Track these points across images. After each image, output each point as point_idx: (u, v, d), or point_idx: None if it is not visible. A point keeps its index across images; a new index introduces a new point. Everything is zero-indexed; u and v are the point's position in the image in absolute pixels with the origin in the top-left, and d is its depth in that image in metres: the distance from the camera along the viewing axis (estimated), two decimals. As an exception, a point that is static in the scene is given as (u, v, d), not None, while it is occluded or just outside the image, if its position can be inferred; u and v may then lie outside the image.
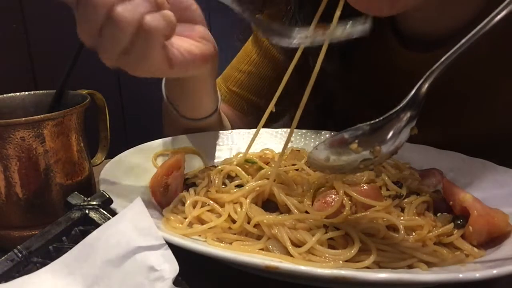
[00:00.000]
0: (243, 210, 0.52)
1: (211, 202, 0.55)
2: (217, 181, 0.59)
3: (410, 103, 0.47)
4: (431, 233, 0.51)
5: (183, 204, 0.57)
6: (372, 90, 0.80)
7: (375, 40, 0.76)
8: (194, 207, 0.56)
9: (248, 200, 0.53)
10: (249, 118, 0.92)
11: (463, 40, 0.45)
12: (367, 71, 0.82)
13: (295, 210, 0.52)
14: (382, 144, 0.48)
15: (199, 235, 0.53)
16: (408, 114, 0.47)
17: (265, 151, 0.71)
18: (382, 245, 0.48)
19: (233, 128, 0.86)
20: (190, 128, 0.76)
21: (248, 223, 0.52)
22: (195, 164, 0.72)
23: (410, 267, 0.48)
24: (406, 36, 0.76)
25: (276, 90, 0.86)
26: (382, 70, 0.79)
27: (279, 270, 0.43)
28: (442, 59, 0.46)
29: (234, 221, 0.53)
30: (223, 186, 0.59)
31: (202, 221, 0.54)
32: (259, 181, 0.56)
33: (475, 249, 0.50)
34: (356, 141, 0.48)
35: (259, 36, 0.89)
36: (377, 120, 0.49)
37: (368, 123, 0.49)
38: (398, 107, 0.48)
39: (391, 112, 0.48)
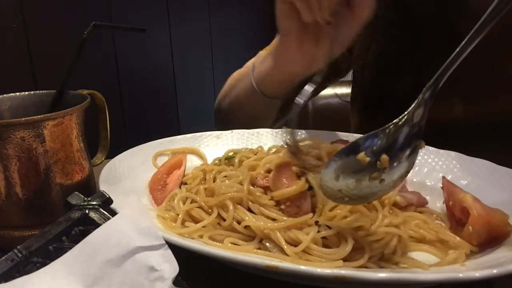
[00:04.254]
0: (230, 210, 0.53)
1: (198, 199, 0.56)
2: (207, 179, 0.60)
3: (414, 109, 0.47)
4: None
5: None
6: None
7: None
8: (184, 203, 0.56)
9: (231, 204, 0.53)
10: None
11: (464, 41, 0.45)
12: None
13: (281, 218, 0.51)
14: (390, 153, 0.47)
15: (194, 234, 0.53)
16: (411, 119, 0.47)
17: (259, 148, 0.72)
18: (370, 236, 0.49)
19: None
20: (267, 103, 0.81)
21: (239, 223, 0.52)
22: (195, 164, 0.72)
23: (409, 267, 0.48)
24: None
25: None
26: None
27: (279, 270, 0.43)
28: (446, 62, 0.47)
29: (223, 218, 0.53)
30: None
31: (193, 218, 0.55)
32: (234, 192, 0.54)
33: (462, 241, 0.51)
34: (363, 152, 0.48)
35: None
36: (383, 127, 0.48)
37: (373, 132, 0.48)
38: (403, 115, 0.48)
39: (396, 121, 0.48)
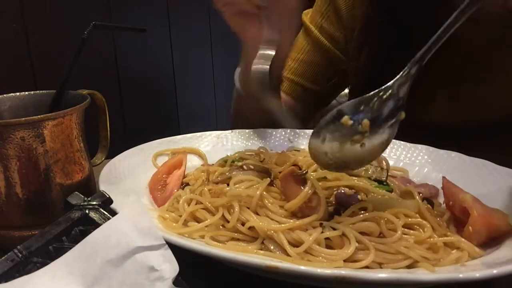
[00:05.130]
0: (236, 211, 0.52)
1: (204, 200, 0.55)
2: (210, 179, 0.60)
3: (399, 83, 0.50)
4: (426, 233, 0.50)
5: (179, 202, 0.57)
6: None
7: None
8: (189, 205, 0.56)
9: (238, 206, 0.53)
10: (304, 104, 0.97)
11: (447, 23, 0.48)
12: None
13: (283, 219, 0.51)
14: (373, 120, 0.50)
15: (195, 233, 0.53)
16: (396, 94, 0.50)
17: (260, 149, 0.72)
18: (378, 244, 0.48)
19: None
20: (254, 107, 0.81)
21: (243, 224, 0.52)
22: (195, 164, 0.72)
23: (410, 266, 0.48)
24: None
25: (329, 75, 0.93)
26: None
27: (279, 270, 0.43)
28: (431, 40, 0.49)
29: (227, 220, 0.53)
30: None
31: (197, 219, 0.55)
32: (245, 195, 0.54)
33: (476, 249, 0.50)
34: (347, 115, 0.51)
35: (309, 28, 0.95)
36: (368, 95, 0.51)
37: (359, 99, 0.52)
38: (387, 84, 0.51)
39: (381, 93, 0.51)
